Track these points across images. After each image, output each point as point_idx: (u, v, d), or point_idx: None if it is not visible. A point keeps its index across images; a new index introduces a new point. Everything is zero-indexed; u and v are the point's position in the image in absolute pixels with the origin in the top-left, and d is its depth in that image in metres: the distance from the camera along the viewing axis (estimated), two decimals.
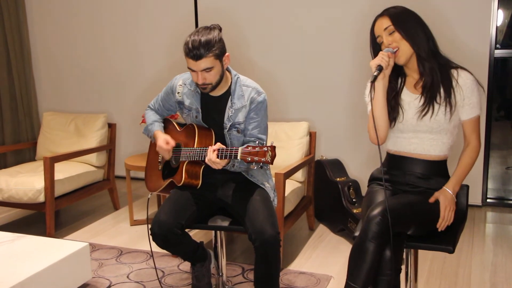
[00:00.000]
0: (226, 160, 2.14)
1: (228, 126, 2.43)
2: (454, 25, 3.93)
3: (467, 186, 2.34)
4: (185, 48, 2.26)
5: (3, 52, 5.04)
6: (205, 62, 2.24)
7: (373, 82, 2.06)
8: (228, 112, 2.42)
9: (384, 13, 2.15)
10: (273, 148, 2.05)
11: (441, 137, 2.14)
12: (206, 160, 2.19)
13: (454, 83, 2.10)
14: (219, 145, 2.18)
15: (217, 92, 2.45)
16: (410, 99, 2.17)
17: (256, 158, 2.05)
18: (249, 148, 2.07)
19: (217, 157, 2.16)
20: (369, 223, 1.91)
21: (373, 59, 2.19)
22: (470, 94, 2.10)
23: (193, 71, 2.30)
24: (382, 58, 2.06)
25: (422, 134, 2.15)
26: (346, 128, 4.34)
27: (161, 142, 2.48)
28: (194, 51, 2.22)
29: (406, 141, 2.19)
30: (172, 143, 2.48)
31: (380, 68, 2.05)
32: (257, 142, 2.25)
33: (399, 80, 2.23)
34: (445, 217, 2.08)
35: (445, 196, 2.10)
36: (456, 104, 2.11)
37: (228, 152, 2.13)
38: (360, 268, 1.90)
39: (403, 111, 2.16)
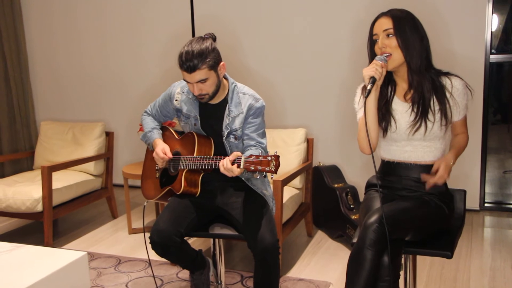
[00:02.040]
0: (241, 169, 2.09)
1: (226, 133, 2.43)
2: (449, 31, 3.95)
3: (464, 191, 2.35)
4: (179, 61, 2.26)
5: (0, 61, 5.04)
6: (199, 74, 2.24)
7: (367, 97, 2.04)
8: (226, 120, 2.43)
9: (388, 13, 2.11)
10: (277, 157, 2.04)
11: (434, 143, 2.15)
12: (222, 168, 2.15)
13: (447, 94, 2.11)
14: (235, 154, 2.13)
15: (215, 100, 2.46)
16: (402, 108, 2.16)
17: (259, 168, 2.03)
18: (252, 157, 2.05)
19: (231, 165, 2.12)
20: (366, 230, 1.91)
21: (368, 55, 2.19)
22: (462, 99, 2.13)
23: (188, 82, 2.31)
24: (376, 69, 2.03)
25: (416, 142, 2.15)
26: (343, 134, 4.35)
27: (158, 150, 2.48)
28: (188, 63, 2.21)
29: (399, 150, 2.19)
30: (170, 155, 2.48)
31: (373, 81, 2.03)
32: (260, 152, 2.24)
33: (389, 88, 2.21)
34: (440, 175, 2.06)
35: (446, 161, 2.08)
36: (452, 115, 2.13)
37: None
38: (359, 275, 1.90)
39: (395, 121, 2.16)
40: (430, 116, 2.10)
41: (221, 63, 2.33)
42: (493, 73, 4.13)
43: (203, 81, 2.27)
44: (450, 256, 2.00)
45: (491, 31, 3.95)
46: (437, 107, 2.10)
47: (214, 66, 2.28)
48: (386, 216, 1.92)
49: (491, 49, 3.96)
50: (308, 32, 4.37)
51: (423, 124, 2.10)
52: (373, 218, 1.93)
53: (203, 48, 2.23)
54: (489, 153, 4.32)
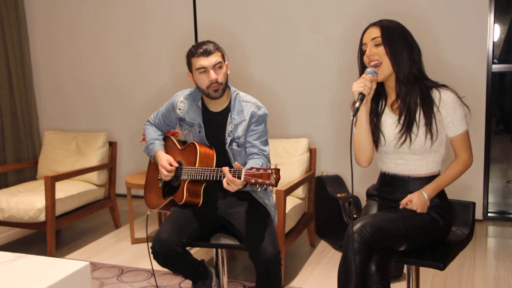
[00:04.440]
0: (243, 181, 2.10)
1: (229, 141, 2.45)
2: (451, 41, 3.96)
3: (473, 203, 2.33)
4: (193, 51, 2.39)
5: (4, 71, 5.08)
6: (215, 57, 2.36)
7: (354, 115, 2.04)
8: (228, 127, 2.45)
9: (377, 23, 2.13)
10: (277, 170, 2.05)
11: (425, 157, 2.13)
12: (225, 183, 2.14)
13: (435, 108, 2.07)
14: (237, 165, 2.14)
15: (218, 108, 2.49)
16: (391, 120, 2.16)
17: (260, 180, 2.05)
18: (253, 170, 2.06)
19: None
20: (349, 239, 1.93)
21: (358, 66, 2.19)
22: (452, 113, 2.07)
23: (203, 71, 2.37)
24: (365, 84, 2.03)
25: (406, 156, 2.14)
26: (346, 144, 4.35)
27: (164, 163, 2.48)
28: (204, 47, 2.36)
29: (392, 163, 2.19)
30: (175, 164, 2.49)
31: (362, 98, 2.03)
32: (262, 161, 2.25)
33: (380, 102, 2.21)
34: (411, 208, 2.10)
35: (419, 198, 2.10)
36: (438, 131, 2.08)
37: (232, 173, 2.13)
38: (347, 284, 1.91)
39: (384, 135, 2.16)
40: (414, 129, 2.08)
41: (227, 62, 2.46)
42: (495, 83, 4.14)
43: (219, 64, 2.37)
44: (442, 268, 1.98)
45: (493, 41, 3.96)
46: (422, 121, 2.07)
47: (224, 58, 2.42)
48: (368, 225, 1.93)
49: (493, 59, 3.97)
50: (310, 41, 4.39)
51: (407, 137, 2.09)
52: (355, 227, 1.94)
53: (213, 41, 2.42)
54: (492, 163, 4.31)
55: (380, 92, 2.20)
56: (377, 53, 2.08)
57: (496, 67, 3.99)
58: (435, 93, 2.09)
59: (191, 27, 4.77)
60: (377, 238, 1.94)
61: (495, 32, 4.00)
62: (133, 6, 4.97)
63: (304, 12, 4.37)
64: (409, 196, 2.12)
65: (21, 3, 5.13)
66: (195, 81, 2.44)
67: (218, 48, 2.40)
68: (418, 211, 2.09)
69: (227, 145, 2.46)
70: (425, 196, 2.10)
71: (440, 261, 2.00)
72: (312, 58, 4.40)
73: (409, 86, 2.09)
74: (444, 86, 2.12)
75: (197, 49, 2.37)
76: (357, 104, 2.03)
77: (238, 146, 2.46)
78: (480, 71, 3.94)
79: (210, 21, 4.70)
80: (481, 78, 3.94)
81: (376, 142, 2.18)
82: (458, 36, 3.94)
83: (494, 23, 3.92)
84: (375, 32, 2.09)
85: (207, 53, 2.35)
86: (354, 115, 2.04)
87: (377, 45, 2.09)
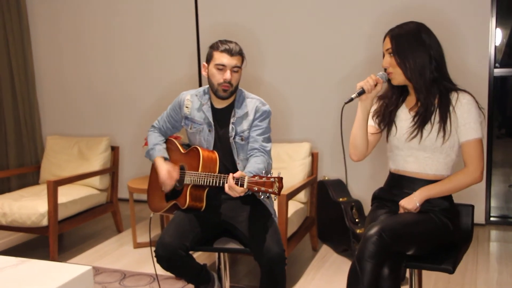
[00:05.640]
0: (245, 188, 2.13)
1: (233, 134, 2.48)
2: (453, 45, 3.96)
3: (472, 206, 2.33)
4: (218, 45, 2.41)
5: (7, 76, 5.09)
6: (237, 59, 2.41)
7: (346, 103, 2.12)
8: (231, 119, 2.49)
9: (389, 32, 2.17)
10: (280, 179, 2.08)
11: (436, 156, 2.13)
12: (226, 187, 2.17)
13: (451, 108, 2.09)
14: (240, 173, 2.17)
15: (222, 104, 2.53)
16: (405, 117, 2.19)
17: (263, 188, 2.07)
18: (256, 177, 2.09)
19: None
20: (366, 242, 1.92)
21: None
22: (467, 114, 2.06)
23: (220, 69, 2.39)
24: (367, 81, 2.12)
25: (417, 152, 2.15)
26: (348, 149, 4.34)
27: (163, 177, 2.50)
28: (230, 46, 2.39)
29: (403, 159, 2.20)
30: (176, 176, 2.49)
31: (360, 92, 2.12)
32: (264, 169, 2.26)
33: (401, 98, 2.25)
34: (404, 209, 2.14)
35: (406, 200, 2.12)
36: (451, 130, 2.09)
37: (234, 180, 2.14)
38: (358, 287, 1.90)
39: (397, 127, 2.20)
40: (427, 126, 2.11)
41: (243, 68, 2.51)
42: (497, 87, 4.14)
43: (237, 69, 2.42)
44: (451, 272, 1.99)
45: (495, 45, 3.96)
46: (437, 119, 2.10)
47: (242, 64, 2.46)
48: (387, 229, 1.93)
49: (495, 63, 3.97)
50: (316, 46, 4.40)
51: (419, 132, 2.11)
52: (373, 230, 1.94)
53: (239, 45, 2.46)
54: (494, 167, 4.30)
55: (402, 89, 2.24)
56: (391, 64, 2.14)
57: (498, 71, 3.99)
58: (453, 95, 2.11)
59: (193, 34, 4.78)
60: (395, 242, 1.94)
61: (497, 36, 4.01)
62: (134, 11, 4.98)
63: (311, 17, 4.38)
64: (401, 201, 2.15)
65: (24, 8, 5.15)
66: (209, 74, 2.47)
67: (241, 54, 2.44)
68: (409, 207, 2.10)
69: (231, 138, 2.49)
70: (414, 198, 2.11)
71: (449, 264, 2.01)
72: (317, 63, 4.41)
73: (427, 91, 2.11)
74: (464, 90, 2.14)
75: (223, 44, 2.41)
76: (352, 96, 2.12)
77: (242, 139, 2.49)
78: (482, 75, 3.94)
79: (212, 20, 4.71)
80: (483, 82, 3.94)
81: (387, 134, 2.24)
82: (460, 40, 3.95)
83: (496, 27, 3.93)
84: (388, 42, 2.15)
85: (231, 53, 2.39)
86: (346, 102, 2.12)
87: (390, 54, 2.14)
